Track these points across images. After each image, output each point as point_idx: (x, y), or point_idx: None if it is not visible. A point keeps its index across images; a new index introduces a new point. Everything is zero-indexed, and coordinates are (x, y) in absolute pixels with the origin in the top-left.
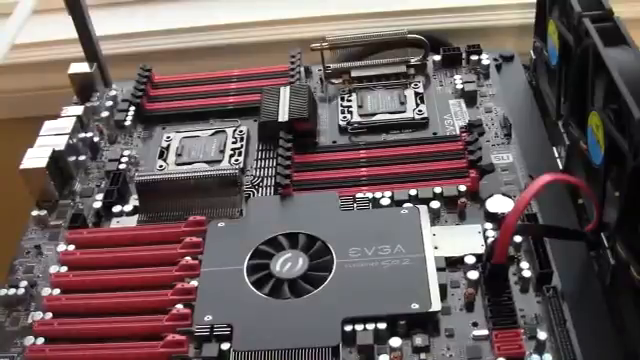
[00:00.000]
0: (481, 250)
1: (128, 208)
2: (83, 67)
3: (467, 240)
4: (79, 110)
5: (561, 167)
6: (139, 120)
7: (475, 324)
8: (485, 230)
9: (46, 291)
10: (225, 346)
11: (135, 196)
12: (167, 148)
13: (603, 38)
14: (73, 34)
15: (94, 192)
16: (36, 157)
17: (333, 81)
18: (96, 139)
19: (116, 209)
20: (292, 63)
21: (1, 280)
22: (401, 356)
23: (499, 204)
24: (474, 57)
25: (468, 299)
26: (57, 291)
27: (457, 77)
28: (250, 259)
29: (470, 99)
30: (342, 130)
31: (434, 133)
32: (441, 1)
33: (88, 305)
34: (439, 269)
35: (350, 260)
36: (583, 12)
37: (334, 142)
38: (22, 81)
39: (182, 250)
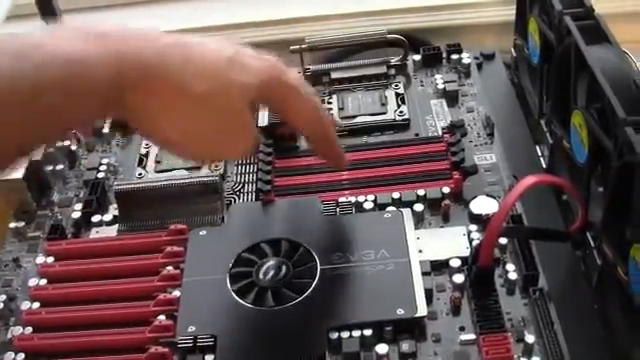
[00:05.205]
0: (466, 253)
1: (108, 218)
2: None
3: (452, 243)
4: None
5: (544, 166)
6: (117, 127)
7: (462, 328)
8: (470, 232)
9: (25, 305)
10: (209, 357)
11: (115, 205)
12: (146, 155)
13: (585, 36)
14: None
15: (73, 202)
16: (13, 167)
17: (313, 83)
18: (74, 147)
19: (95, 219)
20: None
21: None
22: None
23: (483, 205)
24: (455, 56)
25: (454, 303)
26: (37, 305)
27: (438, 77)
28: (233, 267)
29: (452, 99)
30: None
31: (416, 134)
32: None
33: (69, 318)
34: (424, 273)
35: (334, 266)
36: (564, 10)
37: None
38: None
39: (163, 260)
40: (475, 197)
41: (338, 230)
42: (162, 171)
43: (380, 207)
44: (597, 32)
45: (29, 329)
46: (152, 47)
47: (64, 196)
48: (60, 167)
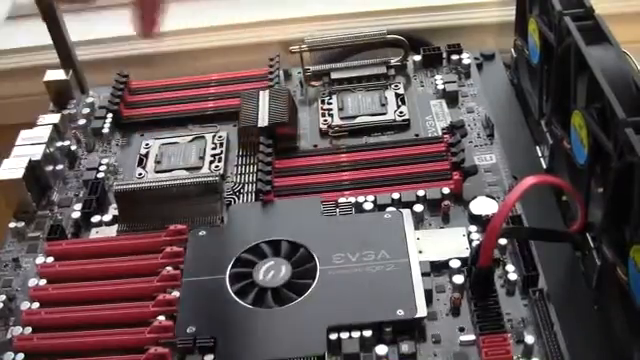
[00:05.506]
0: (466, 253)
1: (107, 218)
2: (59, 74)
3: (452, 243)
4: (55, 118)
5: (544, 166)
6: (117, 127)
7: (462, 329)
8: (469, 233)
9: (25, 305)
10: (209, 358)
11: (114, 205)
12: (146, 155)
13: (585, 37)
14: (49, 40)
15: (72, 202)
16: (12, 168)
17: (313, 83)
18: (73, 147)
19: (95, 219)
20: (271, 66)
21: None
22: None
23: (483, 206)
24: (455, 57)
25: (454, 304)
26: (36, 305)
27: (438, 77)
28: (232, 268)
29: (451, 99)
30: (323, 134)
31: (416, 135)
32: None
33: (68, 319)
34: (424, 274)
35: (334, 267)
36: (564, 10)
37: (315, 146)
38: None
39: (163, 260)
40: (475, 198)
41: (338, 230)
42: (162, 171)
43: (380, 208)
44: (597, 32)
45: (29, 329)
46: None
47: (64, 196)
48: (60, 167)
